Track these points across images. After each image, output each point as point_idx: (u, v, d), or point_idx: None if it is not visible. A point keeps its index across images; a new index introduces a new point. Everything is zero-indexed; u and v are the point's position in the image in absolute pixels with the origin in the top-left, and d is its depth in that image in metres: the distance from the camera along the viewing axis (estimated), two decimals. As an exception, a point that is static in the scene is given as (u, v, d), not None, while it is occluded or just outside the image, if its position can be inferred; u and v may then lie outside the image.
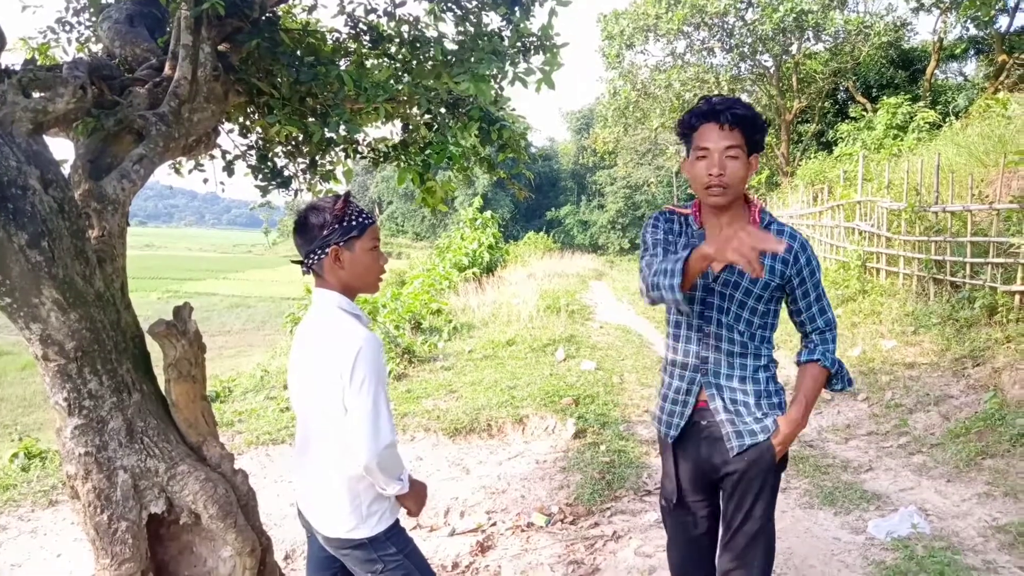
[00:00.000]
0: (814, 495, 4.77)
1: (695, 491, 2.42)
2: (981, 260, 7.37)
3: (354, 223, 2.00)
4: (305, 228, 2.00)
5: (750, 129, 2.09)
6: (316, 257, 2.00)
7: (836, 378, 2.29)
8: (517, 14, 3.22)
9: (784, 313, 2.40)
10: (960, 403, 6.04)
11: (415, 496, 2.17)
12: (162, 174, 3.87)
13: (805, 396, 2.26)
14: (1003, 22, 17.87)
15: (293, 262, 2.12)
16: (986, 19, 17.49)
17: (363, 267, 2.03)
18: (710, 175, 2.09)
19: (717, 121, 2.08)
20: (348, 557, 2.13)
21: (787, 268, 2.18)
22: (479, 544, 4.23)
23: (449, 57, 3.22)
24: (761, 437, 2.24)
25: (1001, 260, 7.07)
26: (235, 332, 19.75)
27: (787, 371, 8.19)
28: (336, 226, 1.98)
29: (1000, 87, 16.23)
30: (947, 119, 15.60)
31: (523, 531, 4.39)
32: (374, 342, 1.95)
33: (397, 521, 2.16)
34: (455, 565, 4.00)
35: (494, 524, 4.53)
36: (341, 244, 1.99)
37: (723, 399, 2.29)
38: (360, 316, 2.05)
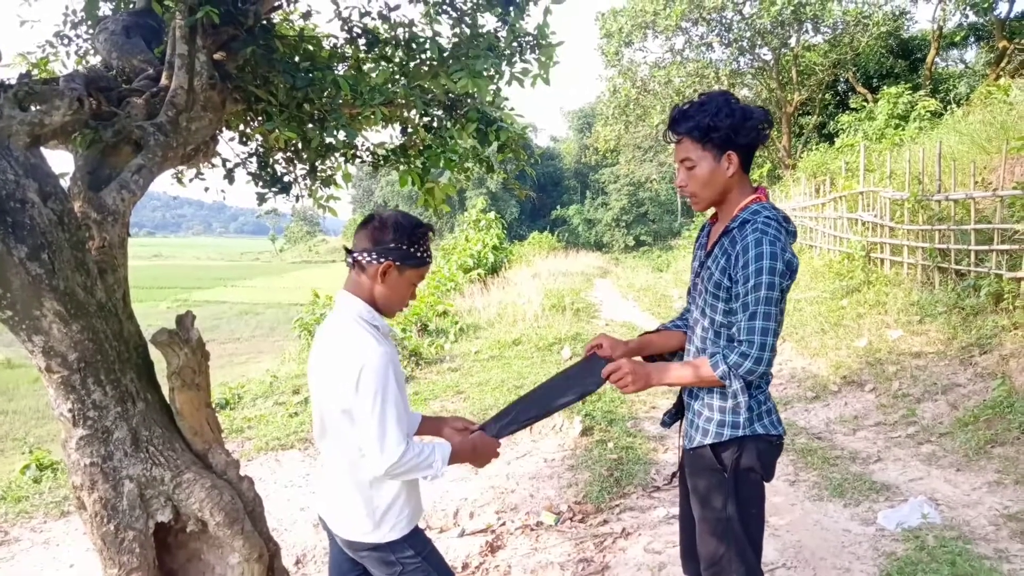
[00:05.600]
0: (823, 487, 4.76)
1: (683, 472, 2.42)
2: (985, 247, 7.33)
3: (418, 254, 2.04)
4: (380, 228, 2.02)
5: (701, 133, 2.07)
6: (369, 258, 2.01)
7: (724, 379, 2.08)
8: (512, 14, 3.22)
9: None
10: (968, 391, 6.01)
11: (469, 458, 2.18)
12: (168, 185, 3.88)
13: (672, 366, 2.19)
14: (1003, 8, 17.77)
15: (344, 248, 2.13)
16: (985, 5, 17.38)
17: (397, 294, 2.06)
18: (679, 188, 2.20)
19: (670, 138, 2.17)
20: (367, 559, 2.15)
21: (730, 268, 2.07)
22: (489, 544, 4.23)
23: (445, 55, 3.22)
24: (699, 439, 2.20)
25: (1006, 247, 7.03)
26: (244, 339, 19.83)
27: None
28: (404, 246, 2.01)
29: (1001, 73, 16.14)
30: (948, 107, 15.51)
31: (532, 530, 4.39)
32: (382, 356, 1.94)
33: (416, 527, 2.17)
34: (465, 566, 4.00)
35: (503, 524, 4.53)
36: (397, 263, 2.01)
37: (688, 393, 2.29)
38: (379, 327, 2.06)
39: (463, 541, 4.36)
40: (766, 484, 2.26)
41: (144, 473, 2.30)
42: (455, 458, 2.10)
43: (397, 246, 2.00)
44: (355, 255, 2.04)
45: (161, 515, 2.33)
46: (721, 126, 2.05)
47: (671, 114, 2.16)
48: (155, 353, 2.46)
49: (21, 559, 4.54)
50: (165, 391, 2.51)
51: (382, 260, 2.00)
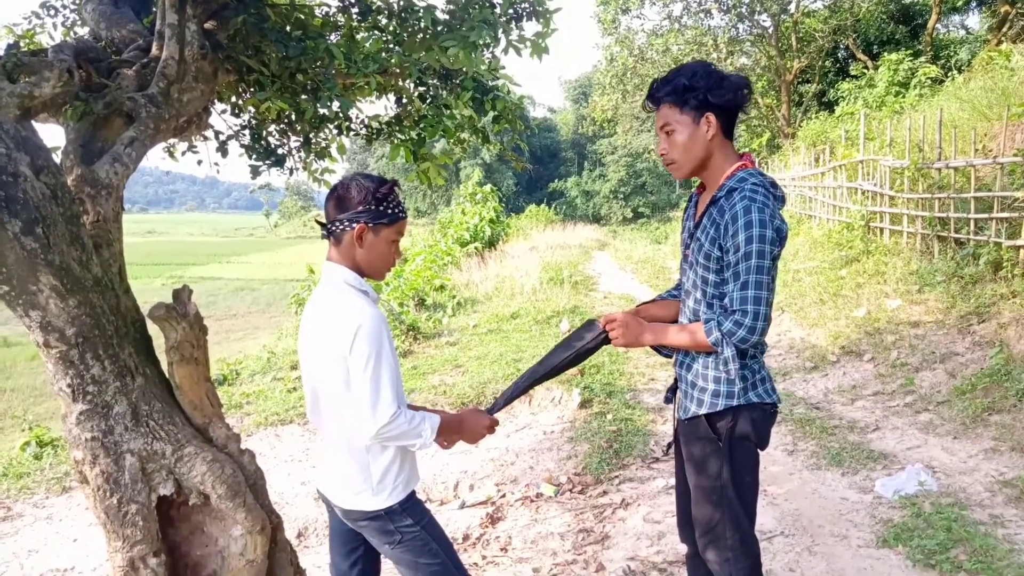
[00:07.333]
0: (821, 456, 4.79)
1: (678, 442, 2.43)
2: (985, 215, 7.31)
3: (389, 211, 2.04)
4: (344, 196, 2.03)
5: (679, 96, 2.08)
6: (341, 227, 2.02)
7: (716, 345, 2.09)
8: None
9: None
10: (966, 360, 6.03)
11: (456, 431, 2.20)
12: (161, 160, 3.83)
13: (670, 328, 2.22)
14: (1005, -28, 17.48)
15: (317, 222, 2.15)
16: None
17: (379, 254, 2.07)
18: (661, 155, 2.21)
19: (649, 108, 2.19)
20: (366, 529, 2.16)
21: (719, 238, 2.06)
22: (489, 516, 4.27)
23: (440, 27, 3.16)
24: (694, 409, 2.21)
25: (1005, 215, 7.01)
26: (241, 315, 19.80)
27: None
28: (372, 206, 2.01)
29: (1003, 39, 15.94)
30: (949, 74, 15.37)
31: (532, 502, 4.43)
32: (376, 319, 1.96)
33: (413, 493, 2.18)
34: (466, 537, 4.04)
35: (503, 496, 4.56)
36: (370, 224, 2.01)
37: (681, 365, 2.29)
38: (368, 292, 2.07)
39: (463, 513, 4.40)
40: (762, 452, 2.27)
41: (145, 447, 2.29)
42: (443, 430, 2.12)
43: (366, 208, 2.01)
44: (329, 227, 2.05)
45: (163, 488, 2.33)
46: (698, 86, 2.06)
47: (650, 87, 2.17)
48: (153, 328, 2.45)
49: (25, 534, 4.57)
50: (164, 366, 2.50)
51: (354, 225, 2.01)
